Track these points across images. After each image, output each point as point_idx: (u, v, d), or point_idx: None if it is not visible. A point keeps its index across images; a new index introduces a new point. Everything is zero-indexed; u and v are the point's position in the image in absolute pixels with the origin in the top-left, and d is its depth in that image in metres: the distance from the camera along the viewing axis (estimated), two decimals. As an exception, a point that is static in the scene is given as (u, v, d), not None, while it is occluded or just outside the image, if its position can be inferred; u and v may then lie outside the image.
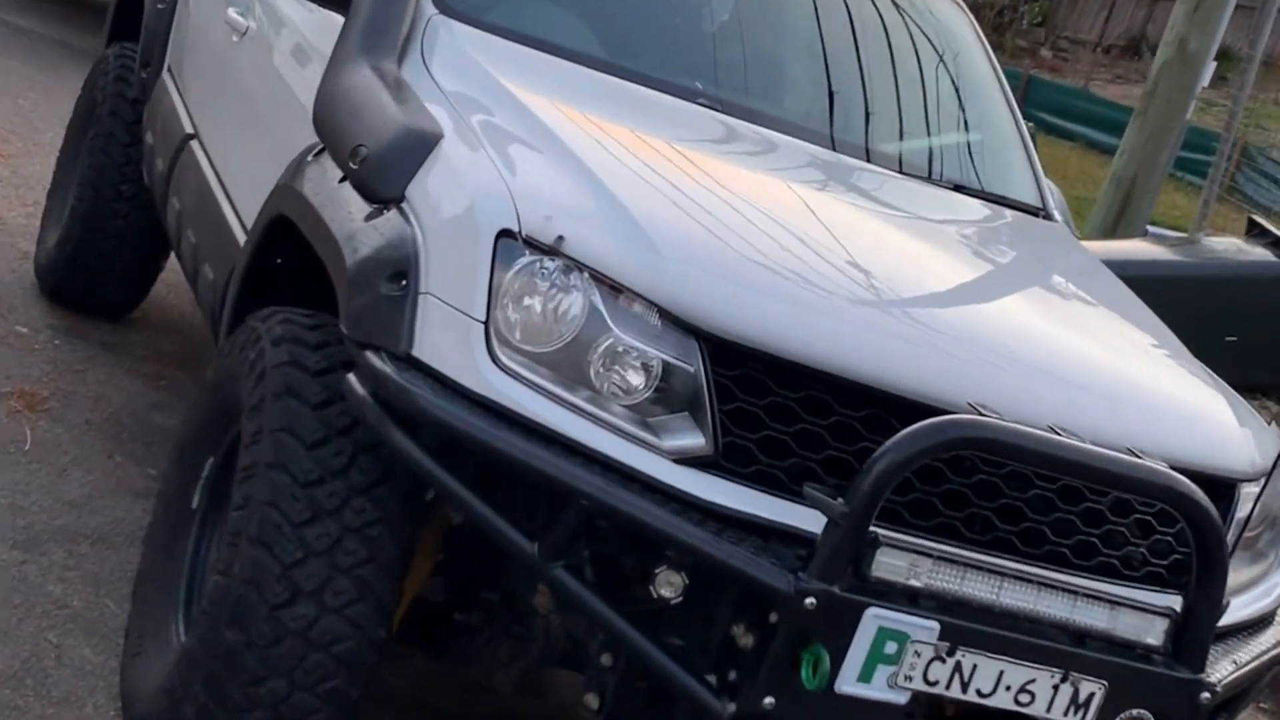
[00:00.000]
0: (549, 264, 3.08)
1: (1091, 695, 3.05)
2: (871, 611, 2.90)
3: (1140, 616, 3.10)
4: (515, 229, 3.10)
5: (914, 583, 2.95)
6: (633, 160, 3.53)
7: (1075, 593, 3.05)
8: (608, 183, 3.30)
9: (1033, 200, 4.57)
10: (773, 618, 2.89)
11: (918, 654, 2.94)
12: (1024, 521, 3.16)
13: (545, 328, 3.07)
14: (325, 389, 3.31)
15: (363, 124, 3.48)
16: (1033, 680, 3.01)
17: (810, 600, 2.86)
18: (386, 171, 3.35)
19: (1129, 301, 4.08)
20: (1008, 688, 3.01)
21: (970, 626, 2.96)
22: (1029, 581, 3.03)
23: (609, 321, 3.05)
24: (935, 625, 2.94)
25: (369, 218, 3.32)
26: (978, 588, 3.00)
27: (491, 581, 3.47)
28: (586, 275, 3.07)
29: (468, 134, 3.43)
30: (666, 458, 3.02)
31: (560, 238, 3.08)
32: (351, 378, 3.17)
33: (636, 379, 3.05)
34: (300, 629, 3.19)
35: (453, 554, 3.49)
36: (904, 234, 4.00)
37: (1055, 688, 3.03)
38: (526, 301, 3.08)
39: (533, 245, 3.10)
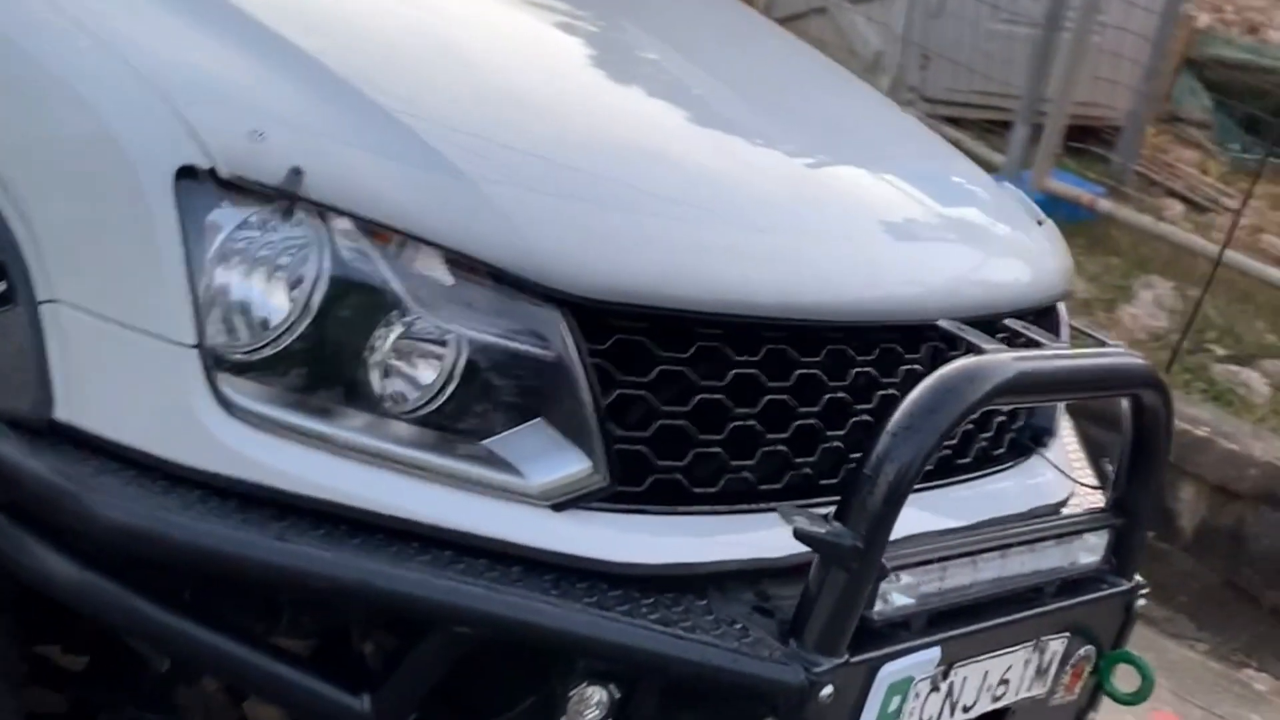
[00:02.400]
0: (278, 217, 1.75)
1: (1054, 655, 2.30)
2: (886, 670, 1.96)
3: (1085, 538, 2.35)
4: (203, 162, 1.73)
5: (906, 601, 2.02)
6: (345, 23, 2.11)
7: (1032, 540, 2.24)
8: (335, 64, 1.93)
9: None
10: None
11: (918, 695, 2.05)
12: None
13: (291, 325, 1.77)
14: None
15: None
16: (1009, 667, 2.22)
17: (828, 691, 1.88)
18: None
19: (849, 79, 3.13)
20: (988, 689, 2.20)
21: (962, 634, 2.10)
22: (997, 546, 2.18)
23: (400, 294, 1.80)
24: (937, 652, 2.05)
25: None
26: (958, 575, 2.12)
27: (55, 633, 2.16)
28: (346, 225, 1.78)
29: None
30: (540, 504, 1.86)
31: (296, 170, 1.74)
32: (-65, 475, 1.73)
33: (429, 375, 1.84)
34: None
35: None
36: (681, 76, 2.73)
37: (1027, 663, 2.25)
38: (251, 288, 1.75)
39: (239, 188, 1.75)
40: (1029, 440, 2.61)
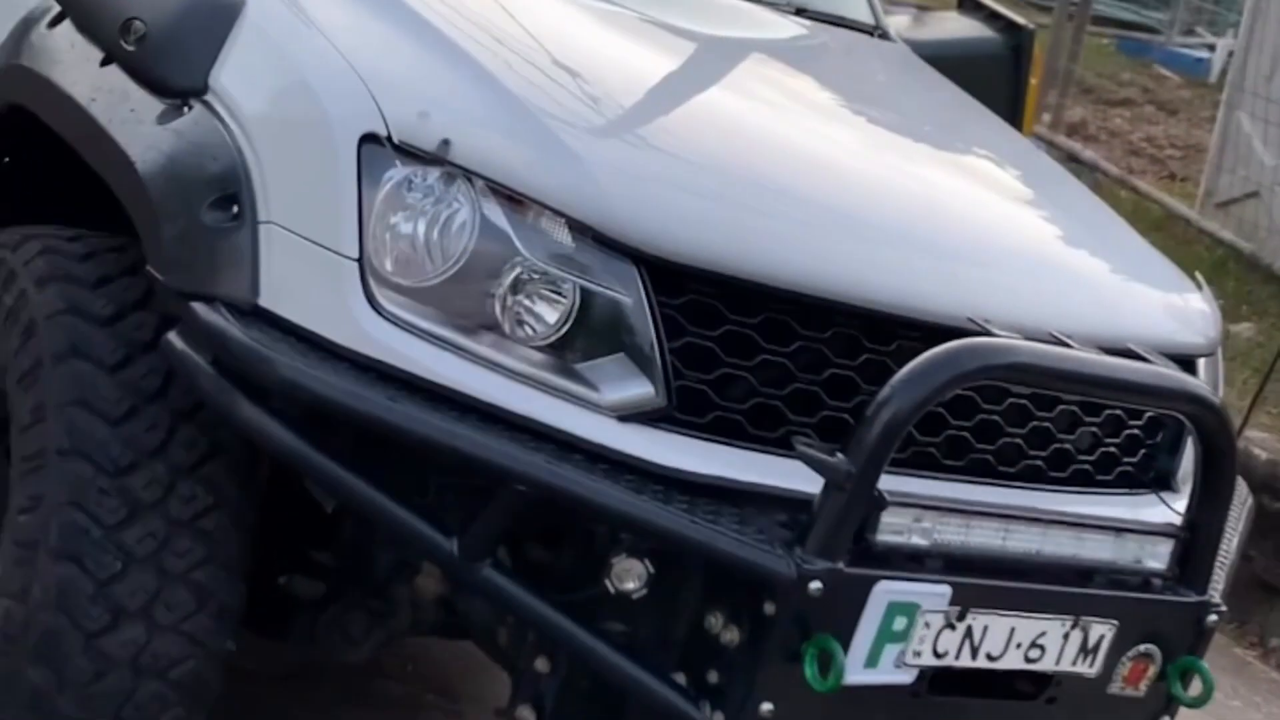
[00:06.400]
0: (430, 176, 2.38)
1: (1101, 637, 2.61)
2: (881, 586, 2.37)
3: (1144, 540, 2.66)
4: (382, 132, 2.38)
5: (919, 541, 2.43)
6: (503, 30, 2.80)
7: (1080, 525, 2.59)
8: (485, 62, 2.59)
9: (865, 16, 4.01)
10: (769, 609, 2.33)
11: (927, 625, 2.43)
12: (1001, 438, 2.67)
13: (434, 259, 2.38)
14: (121, 343, 2.56)
15: None
16: (1043, 633, 2.55)
17: (816, 585, 2.31)
18: (177, 53, 2.56)
19: (1015, 139, 3.59)
20: (1018, 645, 2.54)
21: (981, 584, 2.47)
22: (1036, 521, 2.54)
23: (517, 243, 2.38)
24: (946, 590, 2.43)
25: (164, 118, 2.53)
26: (985, 535, 2.50)
27: (320, 539, 2.80)
28: (481, 186, 2.39)
29: None
30: (609, 415, 2.40)
31: (446, 141, 2.37)
32: (175, 339, 2.42)
33: (550, 313, 2.40)
34: (128, 657, 2.50)
35: (269, 507, 2.79)
36: (817, 99, 3.39)
37: (1065, 637, 2.57)
38: (407, 227, 2.38)
39: (407, 153, 2.39)
40: (1149, 478, 2.92)
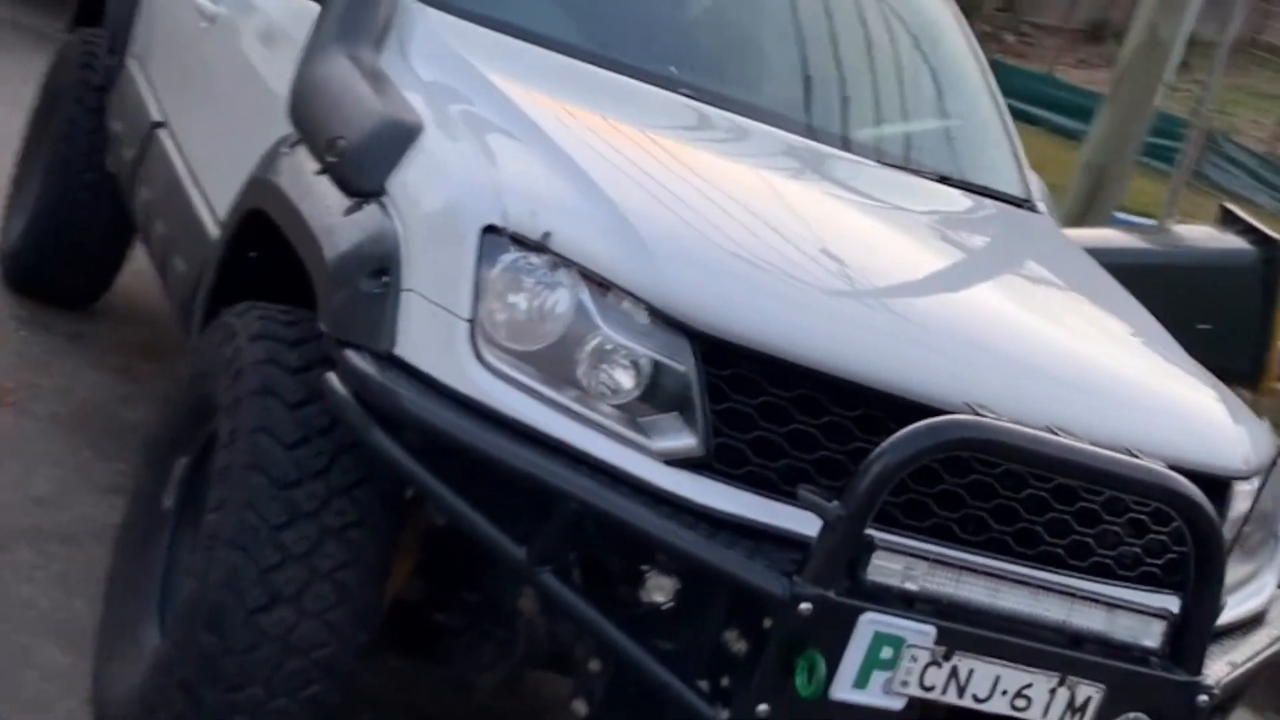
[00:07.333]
0: (535, 260, 3.00)
1: (1089, 699, 2.99)
2: (867, 616, 2.83)
3: (1137, 618, 3.04)
4: (501, 224, 3.02)
5: (910, 586, 2.89)
6: (615, 152, 3.46)
7: (1072, 595, 2.99)
8: (593, 176, 3.22)
9: (1017, 191, 4.51)
10: (767, 623, 2.82)
11: (914, 659, 2.87)
12: (1019, 522, 3.10)
13: (531, 326, 2.99)
14: (304, 387, 3.23)
15: (341, 115, 3.39)
16: (1029, 685, 2.95)
17: (805, 606, 2.79)
18: (366, 164, 3.26)
19: (1116, 294, 4.03)
20: (1004, 692, 2.95)
21: (966, 630, 2.90)
22: (1025, 584, 2.97)
23: (597, 319, 2.98)
24: (931, 630, 2.87)
25: (348, 212, 3.23)
26: (974, 591, 2.93)
27: (471, 582, 3.39)
28: (574, 272, 3.00)
29: (449, 125, 3.35)
30: (656, 459, 2.95)
31: (547, 234, 3.00)
32: (331, 377, 3.09)
33: (626, 379, 2.97)
34: (279, 634, 3.11)
35: (431, 553, 3.41)
36: (888, 228, 3.95)
37: (1052, 692, 2.97)
38: (512, 299, 3.00)
39: (519, 241, 3.02)
40: (1175, 581, 3.28)
